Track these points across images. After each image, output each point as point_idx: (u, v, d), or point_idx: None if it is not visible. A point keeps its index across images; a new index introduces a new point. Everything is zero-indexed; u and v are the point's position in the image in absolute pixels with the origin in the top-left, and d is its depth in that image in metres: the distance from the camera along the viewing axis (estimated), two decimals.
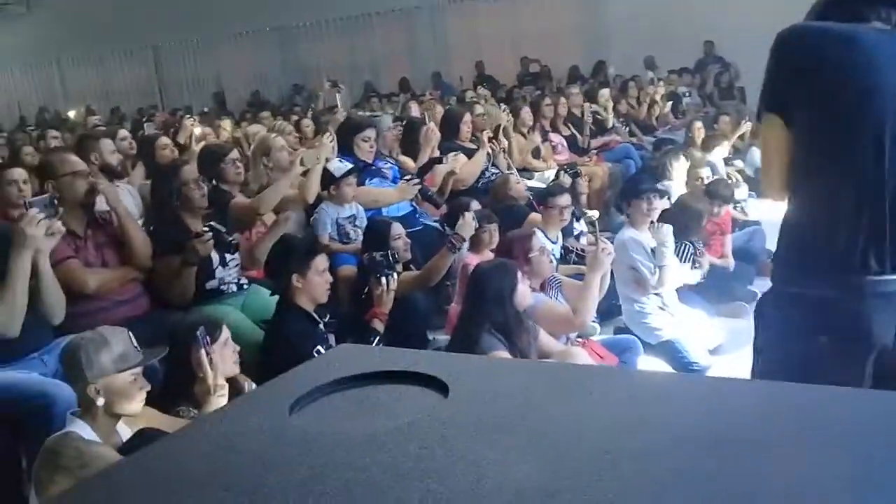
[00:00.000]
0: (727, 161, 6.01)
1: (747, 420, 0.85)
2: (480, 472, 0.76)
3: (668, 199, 4.41)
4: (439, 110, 6.82)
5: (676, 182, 4.98)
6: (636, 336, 3.60)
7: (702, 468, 0.74)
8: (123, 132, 5.92)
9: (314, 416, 0.89)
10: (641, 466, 0.75)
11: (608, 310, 3.89)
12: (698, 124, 6.67)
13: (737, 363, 3.41)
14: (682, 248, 3.97)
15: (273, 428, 0.88)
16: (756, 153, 6.22)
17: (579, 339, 3.43)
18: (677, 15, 10.57)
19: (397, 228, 3.69)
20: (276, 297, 3.10)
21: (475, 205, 4.11)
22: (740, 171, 6.05)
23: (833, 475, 0.71)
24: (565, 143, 6.92)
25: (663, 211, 4.06)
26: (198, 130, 6.68)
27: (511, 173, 5.20)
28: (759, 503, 0.69)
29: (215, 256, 3.39)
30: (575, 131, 7.17)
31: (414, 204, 4.60)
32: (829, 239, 1.67)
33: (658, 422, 0.84)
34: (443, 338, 3.50)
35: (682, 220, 4.04)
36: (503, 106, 7.13)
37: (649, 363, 3.56)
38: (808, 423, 0.82)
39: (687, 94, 9.51)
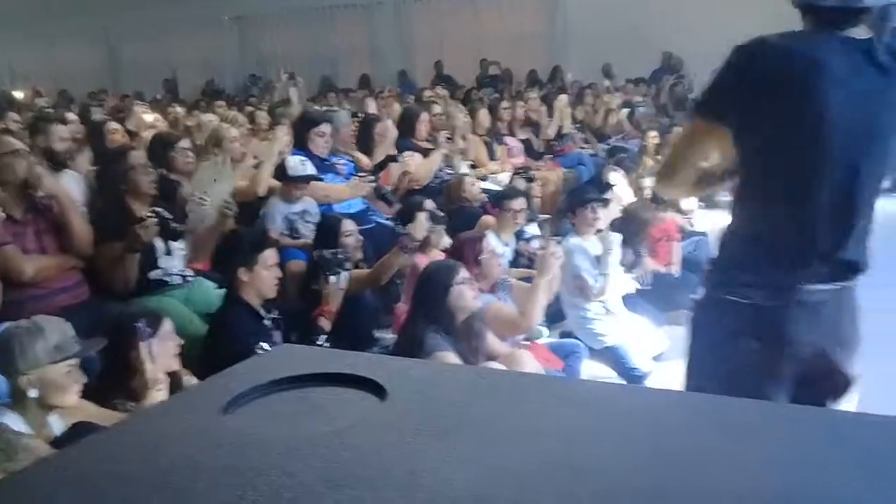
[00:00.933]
0: None
1: (684, 434, 0.86)
2: (415, 480, 0.75)
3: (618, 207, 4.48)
4: (397, 108, 6.80)
5: (617, 191, 5.05)
6: (581, 341, 3.64)
7: (640, 482, 0.75)
8: (71, 115, 5.77)
9: (248, 418, 0.88)
10: (580, 479, 0.75)
11: (555, 314, 3.93)
12: (653, 133, 6.77)
13: (679, 370, 3.47)
14: (624, 255, 4.04)
15: (206, 429, 0.86)
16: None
17: (526, 342, 3.46)
18: (635, 25, 10.71)
19: (349, 225, 3.66)
20: (223, 291, 3.05)
21: (429, 204, 4.11)
22: None
23: (765, 490, 0.73)
24: (521, 147, 6.96)
25: (614, 220, 4.12)
26: (149, 117, 6.54)
27: (466, 175, 5.21)
28: None
29: (160, 245, 3.32)
30: (531, 135, 7.22)
31: (367, 201, 4.58)
32: (764, 249, 1.74)
33: (598, 434, 0.85)
34: (390, 337, 3.49)
35: (629, 228, 4.11)
36: (461, 107, 7.15)
37: (593, 368, 3.60)
38: (744, 438, 0.83)
39: (642, 103, 9.64)
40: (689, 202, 5.54)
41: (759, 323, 1.73)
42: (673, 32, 10.49)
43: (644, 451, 0.81)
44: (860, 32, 1.69)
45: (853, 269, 1.74)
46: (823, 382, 1.74)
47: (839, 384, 1.77)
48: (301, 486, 0.74)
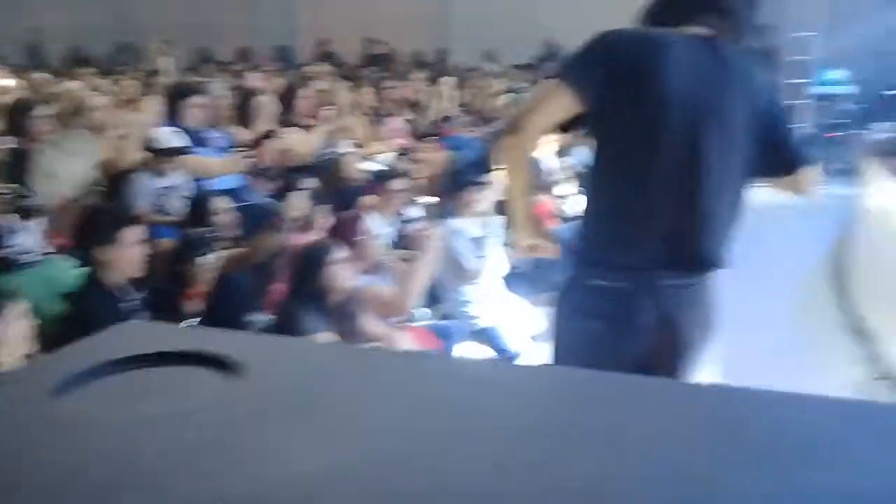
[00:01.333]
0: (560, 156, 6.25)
1: (553, 407, 0.87)
2: (266, 462, 0.71)
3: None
4: (279, 83, 6.62)
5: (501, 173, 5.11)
6: (459, 322, 3.67)
7: (507, 456, 0.74)
8: None
9: (85, 400, 0.81)
10: (444, 454, 0.74)
11: (434, 295, 3.94)
12: None
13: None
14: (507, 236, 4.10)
15: (36, 411, 0.79)
16: (583, 152, 6.52)
17: (404, 324, 3.45)
18: (520, 11, 10.87)
19: (222, 202, 3.53)
20: (83, 269, 2.87)
21: (308, 183, 4.01)
22: (570, 168, 6.32)
23: (628, 462, 0.73)
24: (405, 128, 6.93)
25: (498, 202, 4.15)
26: (8, 82, 6.08)
27: (348, 153, 5.13)
28: (573, 489, 0.69)
29: (13, 221, 3.08)
30: (416, 116, 7.20)
31: (244, 178, 4.42)
32: (614, 235, 1.81)
33: (465, 407, 0.84)
34: (265, 319, 3.39)
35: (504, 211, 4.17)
36: (345, 84, 7.04)
37: (471, 349, 3.64)
38: (606, 411, 0.84)
39: (526, 89, 9.80)
40: (566, 187, 5.69)
41: (610, 305, 1.79)
42: (557, 20, 10.71)
43: (515, 423, 0.80)
44: (706, 30, 1.79)
45: (703, 260, 1.81)
46: (668, 366, 1.82)
47: (683, 369, 1.85)
48: (139, 472, 0.69)
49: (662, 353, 1.80)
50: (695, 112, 1.73)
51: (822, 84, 8.84)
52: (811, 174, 1.91)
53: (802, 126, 8.18)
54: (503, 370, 1.32)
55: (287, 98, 5.45)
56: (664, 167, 1.74)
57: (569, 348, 1.86)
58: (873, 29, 7.97)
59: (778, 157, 1.85)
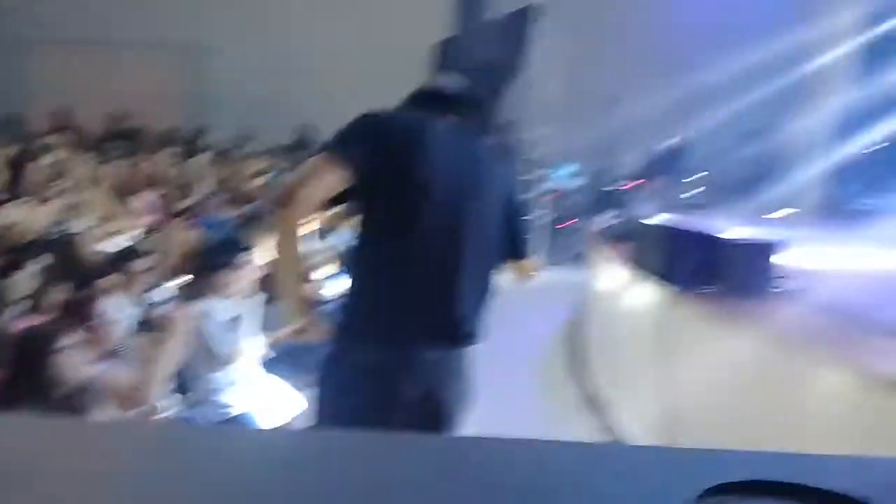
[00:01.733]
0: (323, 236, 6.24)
1: (288, 471, 0.85)
2: None
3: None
4: (5, 152, 5.99)
5: (259, 253, 5.01)
6: (209, 410, 3.45)
7: None
8: None
9: None
10: None
11: (183, 383, 3.68)
12: None
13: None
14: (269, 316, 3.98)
15: None
16: (348, 232, 6.59)
17: (147, 415, 3.17)
18: (279, 93, 10.95)
19: None
20: None
21: (37, 261, 3.62)
22: (331, 249, 6.33)
23: None
24: (154, 205, 6.57)
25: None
26: None
27: (86, 230, 4.74)
28: None
29: None
30: (166, 194, 6.87)
31: None
32: (376, 310, 1.83)
33: (185, 474, 0.81)
34: None
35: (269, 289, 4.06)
36: (87, 158, 6.56)
37: None
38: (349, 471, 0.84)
39: (286, 169, 9.79)
40: (327, 269, 5.68)
41: (372, 381, 1.80)
42: (315, 104, 10.91)
43: (232, 490, 0.78)
44: (460, 120, 1.94)
45: (460, 334, 1.88)
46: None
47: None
48: None
49: (424, 425, 1.83)
50: (453, 192, 1.82)
51: (555, 178, 9.81)
52: (531, 264, 2.12)
53: (538, 217, 8.98)
54: (208, 436, 1.25)
55: (15, 169, 4.94)
56: (424, 244, 1.80)
57: (330, 421, 1.82)
58: (599, 128, 9.05)
59: (510, 244, 2.02)
